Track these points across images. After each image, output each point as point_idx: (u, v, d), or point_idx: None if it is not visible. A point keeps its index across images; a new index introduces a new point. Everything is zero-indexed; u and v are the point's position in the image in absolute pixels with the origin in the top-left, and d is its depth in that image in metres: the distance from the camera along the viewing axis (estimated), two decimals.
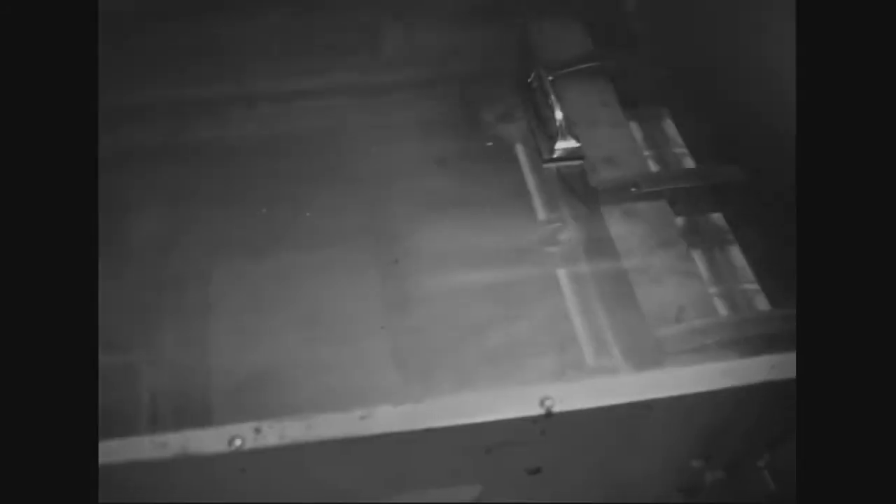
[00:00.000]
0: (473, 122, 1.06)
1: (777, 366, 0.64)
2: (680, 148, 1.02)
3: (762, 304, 0.87)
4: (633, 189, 0.91)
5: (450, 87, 1.11)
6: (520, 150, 1.01)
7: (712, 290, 0.87)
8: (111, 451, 0.60)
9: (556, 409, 0.62)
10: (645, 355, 0.80)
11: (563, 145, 0.95)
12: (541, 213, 0.95)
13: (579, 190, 0.93)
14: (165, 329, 0.84)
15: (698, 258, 0.90)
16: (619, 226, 0.89)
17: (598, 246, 0.90)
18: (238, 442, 0.60)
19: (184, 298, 0.88)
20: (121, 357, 0.81)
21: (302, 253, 0.90)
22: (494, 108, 1.08)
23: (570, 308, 0.87)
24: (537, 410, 0.62)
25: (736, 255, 0.91)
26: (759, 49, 0.94)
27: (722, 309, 0.86)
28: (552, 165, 0.96)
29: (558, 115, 0.95)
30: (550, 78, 0.99)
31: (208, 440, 0.60)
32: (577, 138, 0.95)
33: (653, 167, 0.99)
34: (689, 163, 1.00)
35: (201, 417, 0.79)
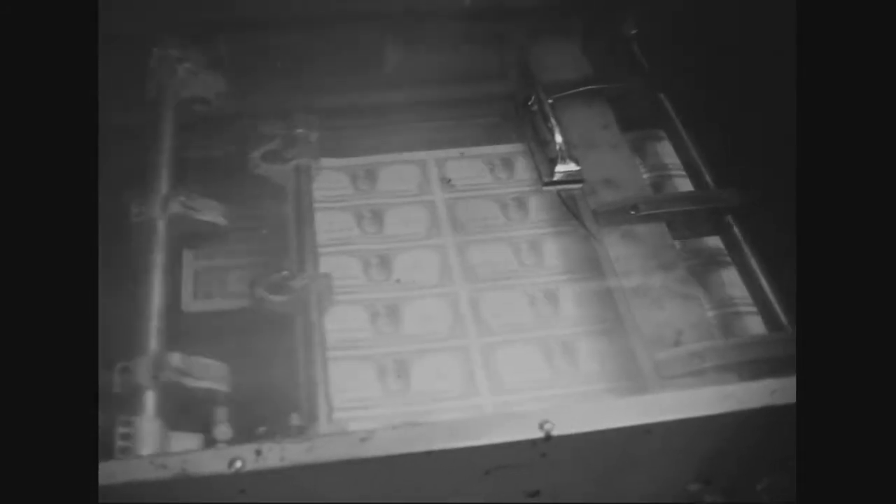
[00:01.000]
0: (473, 143, 1.06)
1: (778, 390, 0.64)
2: (679, 171, 1.02)
3: (761, 328, 0.87)
4: (632, 211, 0.91)
5: (449, 109, 1.11)
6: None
7: (711, 313, 0.88)
8: (111, 472, 0.60)
9: (556, 432, 0.62)
10: (643, 378, 0.80)
11: (563, 168, 0.95)
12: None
13: (578, 212, 0.93)
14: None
15: (697, 281, 0.90)
16: (617, 248, 0.90)
17: (597, 267, 0.90)
18: (238, 463, 0.60)
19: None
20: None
21: None
22: (492, 130, 1.09)
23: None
24: (537, 434, 0.62)
25: (734, 278, 0.91)
26: (759, 73, 0.95)
27: (721, 333, 0.86)
28: (552, 188, 0.96)
29: (558, 138, 0.95)
30: (550, 101, 1.00)
31: (208, 461, 0.60)
32: (576, 161, 0.95)
33: (652, 190, 0.99)
34: (688, 186, 1.00)
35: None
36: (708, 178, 0.97)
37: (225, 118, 1.07)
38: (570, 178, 0.95)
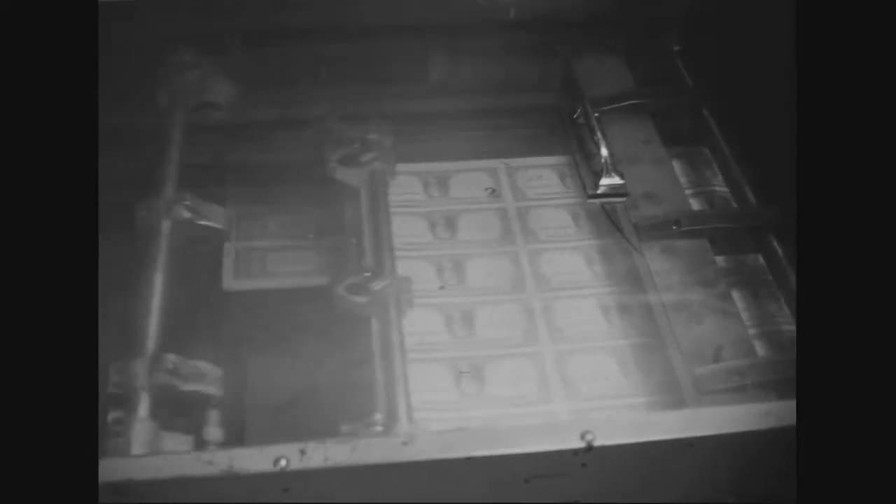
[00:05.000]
0: (518, 153, 1.07)
1: None
2: (721, 187, 1.02)
3: None
4: (673, 227, 0.92)
5: (493, 119, 1.12)
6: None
7: (751, 330, 0.88)
8: (157, 466, 0.62)
9: (597, 443, 0.63)
10: (682, 393, 0.81)
11: (607, 182, 0.95)
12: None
13: (621, 225, 0.94)
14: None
15: (737, 298, 0.90)
16: (658, 262, 0.90)
17: (638, 281, 0.91)
18: (283, 462, 0.61)
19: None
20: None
21: None
22: (537, 141, 1.10)
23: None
24: (578, 444, 0.63)
25: (775, 295, 0.91)
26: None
27: (760, 349, 0.86)
28: (596, 201, 0.97)
29: (604, 151, 0.96)
30: (596, 114, 1.00)
31: (254, 459, 0.61)
32: (621, 175, 0.96)
33: (694, 206, 0.99)
34: (731, 202, 1.00)
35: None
36: (750, 195, 0.97)
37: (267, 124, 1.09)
38: (614, 192, 0.96)
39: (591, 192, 0.97)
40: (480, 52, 1.14)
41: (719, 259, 0.93)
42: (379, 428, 0.75)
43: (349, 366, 0.84)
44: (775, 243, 0.92)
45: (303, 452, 0.61)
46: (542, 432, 0.64)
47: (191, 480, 0.61)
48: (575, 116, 1.04)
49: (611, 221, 0.95)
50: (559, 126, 1.09)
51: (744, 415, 0.66)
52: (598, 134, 0.98)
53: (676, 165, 1.03)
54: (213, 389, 0.80)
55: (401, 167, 1.03)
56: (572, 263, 0.95)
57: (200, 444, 0.77)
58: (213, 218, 0.95)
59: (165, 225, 0.90)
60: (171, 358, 0.79)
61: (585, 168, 1.00)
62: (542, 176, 1.05)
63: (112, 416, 0.76)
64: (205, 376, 0.80)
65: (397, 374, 0.80)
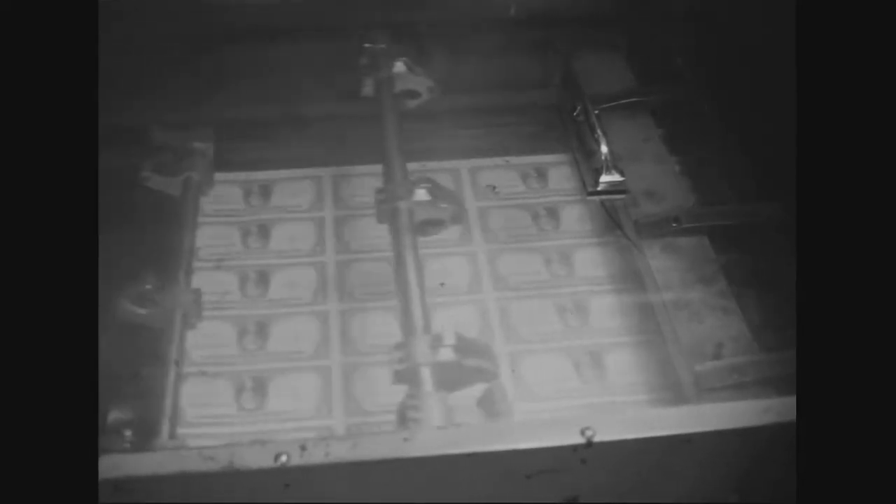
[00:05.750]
0: (517, 151, 1.07)
1: None
2: (721, 184, 1.02)
3: None
4: (673, 224, 0.92)
5: (493, 117, 1.12)
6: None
7: (750, 327, 0.88)
8: (158, 462, 0.62)
9: (597, 439, 0.63)
10: (682, 390, 0.81)
11: (607, 179, 0.96)
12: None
13: (621, 223, 0.94)
14: None
15: (737, 295, 0.90)
16: (658, 260, 0.90)
17: (638, 279, 0.91)
18: (284, 458, 0.61)
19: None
20: None
21: None
22: (537, 139, 1.10)
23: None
24: (578, 440, 0.63)
25: (775, 292, 0.91)
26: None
27: (760, 346, 0.86)
28: (596, 198, 0.97)
29: (604, 148, 0.96)
30: (597, 112, 1.00)
31: (255, 455, 0.61)
32: (621, 172, 0.96)
33: (694, 203, 0.99)
34: (731, 199, 1.00)
35: None
36: (751, 192, 0.97)
37: None
38: (614, 189, 0.96)
39: (590, 189, 0.97)
40: (481, 49, 1.14)
41: (719, 256, 0.93)
42: (128, 445, 0.75)
43: (117, 379, 0.81)
44: (775, 240, 0.92)
45: (303, 448, 0.61)
46: (543, 428, 0.64)
47: (191, 476, 0.61)
48: (575, 114, 1.04)
49: (610, 219, 0.95)
50: (559, 123, 1.09)
51: (744, 411, 0.66)
52: (599, 131, 0.98)
53: (676, 162, 1.03)
54: (490, 365, 0.79)
55: (219, 176, 1.02)
56: (378, 273, 0.94)
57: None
58: None
59: None
60: (451, 335, 0.78)
61: (585, 165, 1.00)
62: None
63: (112, 415, 0.76)
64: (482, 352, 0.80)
65: (168, 388, 0.80)
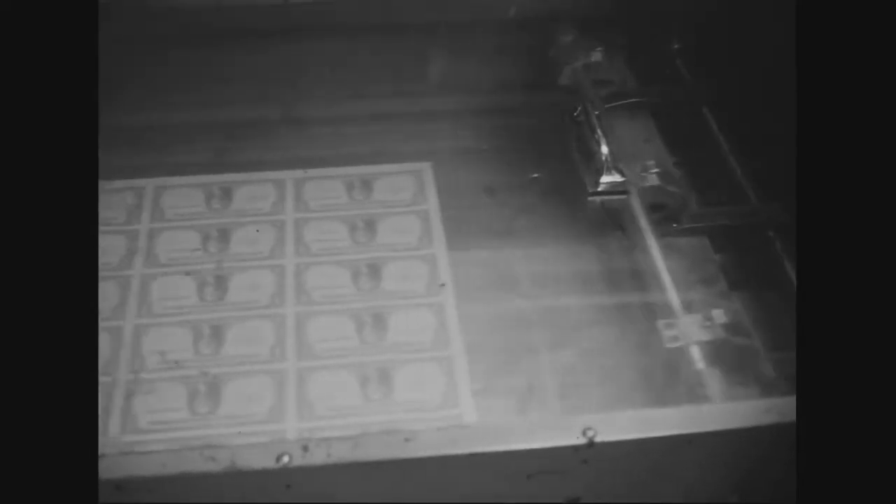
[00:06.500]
0: (519, 152, 1.07)
1: None
2: (721, 184, 1.02)
3: None
4: (674, 224, 0.92)
5: (494, 118, 1.12)
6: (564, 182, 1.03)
7: (752, 327, 0.88)
8: (160, 463, 0.62)
9: (598, 439, 0.63)
10: (685, 389, 0.81)
11: (608, 179, 0.96)
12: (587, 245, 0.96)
13: (622, 223, 0.94)
14: None
15: (738, 295, 0.90)
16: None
17: (639, 279, 0.91)
18: (286, 458, 0.61)
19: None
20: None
21: None
22: (538, 139, 1.10)
23: (612, 339, 0.88)
24: (579, 440, 0.63)
25: (777, 292, 0.91)
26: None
27: (762, 347, 0.86)
28: (596, 199, 0.97)
29: (604, 149, 0.96)
30: (597, 112, 1.00)
31: (256, 455, 0.61)
32: (621, 173, 0.96)
33: (695, 203, 0.99)
34: (731, 200, 1.00)
35: None
36: (751, 193, 0.97)
37: None
38: (614, 189, 0.96)
39: (591, 189, 0.97)
40: (481, 50, 1.14)
41: (720, 256, 0.93)
42: None
43: None
44: (777, 241, 0.92)
45: (305, 449, 0.61)
46: (544, 428, 0.64)
47: (193, 477, 0.61)
48: (575, 115, 1.04)
49: (611, 220, 0.95)
50: (560, 124, 1.09)
51: (744, 411, 0.66)
52: (599, 132, 0.98)
53: (677, 163, 1.03)
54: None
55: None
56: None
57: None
58: None
59: None
60: (720, 312, 0.83)
61: (586, 166, 1.00)
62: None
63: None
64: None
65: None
